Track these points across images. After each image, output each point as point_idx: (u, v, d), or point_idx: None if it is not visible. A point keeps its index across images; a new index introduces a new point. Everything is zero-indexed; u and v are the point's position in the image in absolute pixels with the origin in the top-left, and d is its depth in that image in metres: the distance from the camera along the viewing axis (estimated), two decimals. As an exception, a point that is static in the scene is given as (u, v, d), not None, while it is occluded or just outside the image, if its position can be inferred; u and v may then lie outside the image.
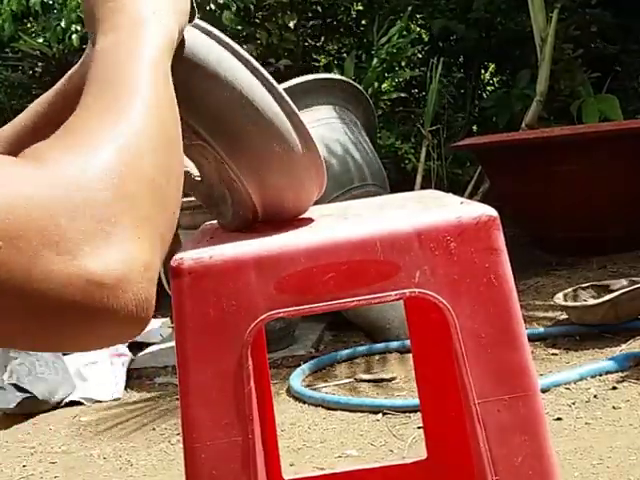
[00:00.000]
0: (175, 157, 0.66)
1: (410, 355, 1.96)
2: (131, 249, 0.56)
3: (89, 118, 0.62)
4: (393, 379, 2.90)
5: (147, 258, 0.58)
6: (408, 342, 1.82)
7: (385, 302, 0.86)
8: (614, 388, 2.58)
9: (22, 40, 5.76)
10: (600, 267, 3.94)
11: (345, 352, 3.21)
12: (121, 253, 0.55)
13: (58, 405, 3.06)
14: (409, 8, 5.56)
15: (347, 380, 2.96)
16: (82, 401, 3.09)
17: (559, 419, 2.41)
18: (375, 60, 5.22)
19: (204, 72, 0.86)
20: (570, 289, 3.24)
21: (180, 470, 0.84)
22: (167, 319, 3.86)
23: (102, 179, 0.56)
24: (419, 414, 1.70)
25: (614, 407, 2.45)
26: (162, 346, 3.52)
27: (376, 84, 5.31)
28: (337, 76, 4.11)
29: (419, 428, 2.35)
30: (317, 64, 6.34)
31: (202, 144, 0.88)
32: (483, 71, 6.88)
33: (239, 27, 5.33)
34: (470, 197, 4.52)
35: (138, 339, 3.60)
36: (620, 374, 2.67)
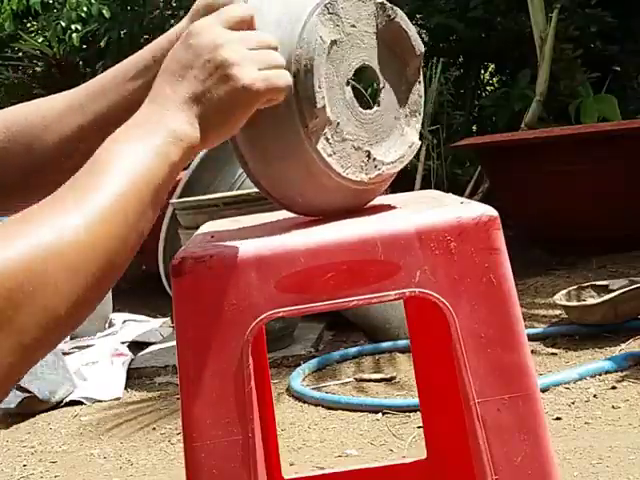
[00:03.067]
0: (97, 291, 0.68)
1: (410, 355, 1.96)
2: None
3: (40, 213, 0.65)
4: (393, 378, 2.90)
5: None
6: (408, 342, 1.82)
7: (385, 302, 0.86)
8: (614, 388, 2.58)
9: (22, 39, 5.77)
10: (600, 267, 3.94)
11: (345, 352, 3.22)
12: None
13: (58, 405, 3.06)
14: (407, 6, 5.56)
15: (347, 380, 2.96)
16: (82, 401, 3.09)
17: (558, 419, 2.41)
18: (375, 60, 5.22)
19: None
20: (570, 289, 3.24)
21: (180, 469, 0.84)
22: (167, 319, 3.87)
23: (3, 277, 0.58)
24: (419, 414, 1.70)
25: (614, 407, 2.45)
26: (162, 346, 3.52)
27: (376, 84, 5.31)
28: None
29: (419, 428, 2.36)
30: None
31: None
32: (483, 71, 6.88)
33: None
34: (470, 197, 4.53)
35: (138, 339, 3.60)
36: (620, 374, 2.67)
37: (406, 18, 0.94)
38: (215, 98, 0.77)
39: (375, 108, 0.92)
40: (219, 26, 0.80)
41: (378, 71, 0.92)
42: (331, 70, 0.88)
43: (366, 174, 0.90)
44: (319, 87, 0.86)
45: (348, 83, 0.91)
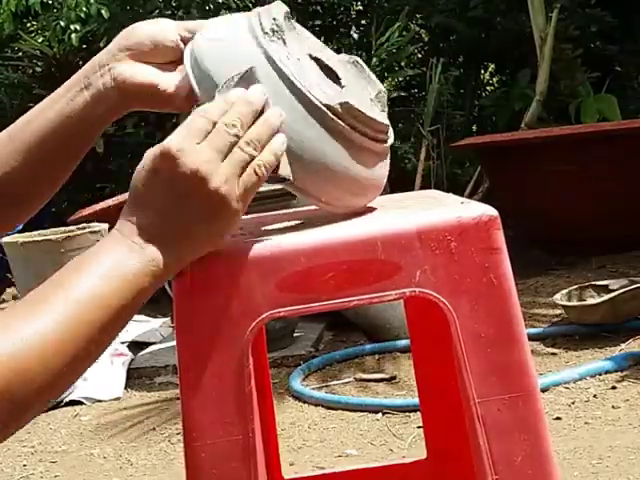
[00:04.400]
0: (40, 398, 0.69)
1: (410, 355, 1.96)
2: None
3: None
4: (393, 378, 2.91)
5: None
6: (408, 342, 1.82)
7: (385, 302, 0.86)
8: (613, 388, 2.58)
9: (22, 39, 5.77)
10: (599, 267, 3.94)
11: (345, 351, 3.22)
12: None
13: (58, 404, 3.06)
14: (407, 7, 5.56)
15: (347, 379, 2.97)
16: (82, 400, 3.09)
17: (558, 418, 2.41)
18: (374, 60, 5.22)
19: None
20: (570, 289, 3.24)
21: (180, 469, 0.84)
22: (167, 319, 3.86)
23: None
24: (419, 414, 1.70)
25: (613, 407, 2.45)
26: (162, 346, 3.52)
27: (376, 83, 5.31)
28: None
29: (419, 427, 2.36)
30: (317, 64, 6.34)
31: None
32: (483, 71, 6.88)
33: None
34: (470, 197, 4.52)
35: (138, 339, 3.60)
36: (619, 374, 2.67)
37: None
38: (198, 235, 0.77)
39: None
40: (186, 141, 0.75)
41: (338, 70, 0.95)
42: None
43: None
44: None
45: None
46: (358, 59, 0.96)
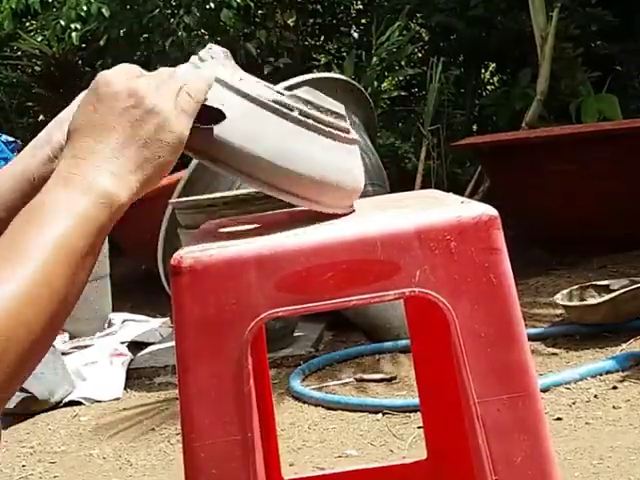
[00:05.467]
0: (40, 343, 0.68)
1: (410, 355, 1.95)
2: None
3: None
4: (393, 379, 2.90)
5: None
6: (408, 342, 1.82)
7: (385, 301, 0.86)
8: (614, 388, 2.58)
9: (22, 39, 5.77)
10: (600, 267, 3.94)
11: (345, 352, 3.21)
12: None
13: (57, 405, 3.06)
14: (408, 6, 5.56)
15: (347, 380, 2.96)
16: (81, 401, 3.09)
17: (559, 419, 2.41)
18: (375, 59, 5.22)
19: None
20: (570, 289, 3.24)
21: (180, 470, 0.83)
22: (167, 319, 3.86)
23: None
24: (419, 414, 1.70)
25: (614, 407, 2.45)
26: (162, 346, 3.52)
27: (376, 83, 5.32)
28: (337, 75, 4.11)
29: (419, 428, 2.35)
30: (317, 63, 6.35)
31: None
32: (483, 70, 6.88)
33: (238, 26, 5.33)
34: (470, 196, 4.52)
35: (138, 339, 3.60)
36: (620, 374, 2.67)
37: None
38: (151, 149, 0.76)
39: None
40: (127, 72, 0.79)
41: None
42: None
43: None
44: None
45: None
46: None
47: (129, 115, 0.76)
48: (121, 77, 0.78)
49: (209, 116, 0.84)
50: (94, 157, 0.74)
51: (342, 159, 0.92)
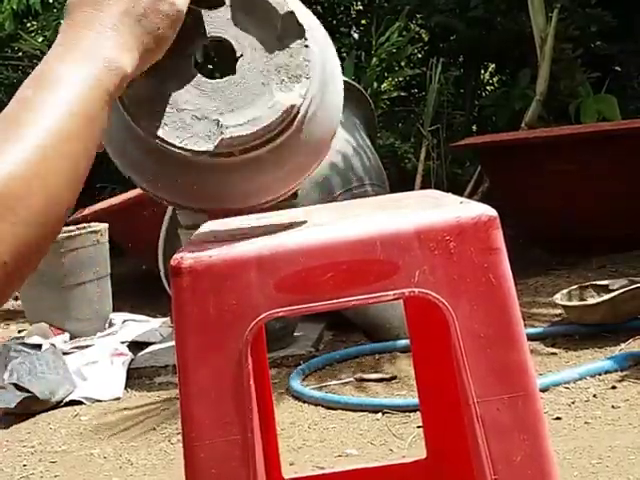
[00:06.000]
0: (39, 236, 0.64)
1: (410, 354, 1.96)
2: None
3: None
4: (393, 378, 2.90)
5: None
6: (408, 341, 1.82)
7: (384, 302, 0.86)
8: (613, 387, 2.58)
9: (22, 39, 5.76)
10: (600, 267, 3.94)
11: (345, 351, 3.21)
12: None
13: (58, 404, 3.06)
14: (407, 7, 5.56)
15: (347, 379, 2.96)
16: (82, 400, 3.09)
17: (558, 418, 2.41)
18: (375, 60, 5.22)
19: None
20: (570, 288, 3.24)
21: (180, 469, 0.84)
22: (167, 318, 3.86)
23: None
24: (419, 413, 1.70)
25: (613, 406, 2.45)
26: (162, 345, 3.52)
27: (376, 84, 5.32)
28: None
29: (419, 427, 2.36)
30: (317, 63, 6.32)
31: None
32: (483, 71, 6.88)
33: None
34: (470, 197, 4.53)
35: (138, 339, 3.60)
36: (619, 373, 2.67)
37: None
38: (150, 19, 0.75)
39: (230, 77, 0.87)
40: None
41: (234, 41, 0.88)
42: None
43: (212, 142, 0.84)
44: None
45: (190, 56, 0.87)
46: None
47: None
48: None
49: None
50: (95, 26, 0.73)
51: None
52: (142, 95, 0.84)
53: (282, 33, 0.87)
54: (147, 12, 0.75)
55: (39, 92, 0.69)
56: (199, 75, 0.87)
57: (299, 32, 0.87)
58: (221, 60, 0.89)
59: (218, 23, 0.87)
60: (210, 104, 0.85)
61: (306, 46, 0.87)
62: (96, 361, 3.33)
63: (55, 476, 2.52)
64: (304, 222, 0.95)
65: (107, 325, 3.85)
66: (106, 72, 0.71)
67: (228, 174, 0.87)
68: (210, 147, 0.84)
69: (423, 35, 6.71)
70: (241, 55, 0.87)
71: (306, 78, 0.86)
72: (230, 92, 0.86)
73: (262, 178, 0.88)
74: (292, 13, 0.87)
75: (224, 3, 0.84)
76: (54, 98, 0.68)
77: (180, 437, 0.85)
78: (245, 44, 0.87)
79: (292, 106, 0.85)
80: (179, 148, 0.84)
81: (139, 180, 0.91)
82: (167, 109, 0.85)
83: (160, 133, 0.84)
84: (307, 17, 0.90)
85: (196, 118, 0.85)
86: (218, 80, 0.87)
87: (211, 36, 0.87)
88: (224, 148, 0.84)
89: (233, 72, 0.87)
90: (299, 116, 0.86)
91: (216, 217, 0.92)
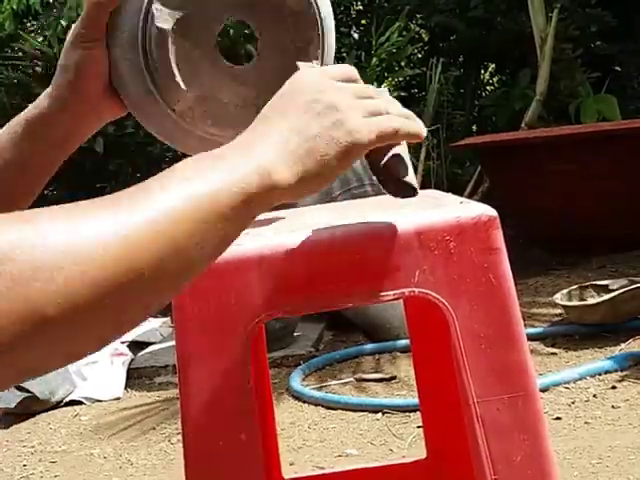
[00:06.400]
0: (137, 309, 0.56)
1: (410, 354, 1.96)
2: None
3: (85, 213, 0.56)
4: (393, 378, 2.91)
5: None
6: (408, 341, 1.82)
7: (384, 302, 0.86)
8: (613, 387, 2.58)
9: (22, 39, 5.76)
10: (600, 267, 3.94)
11: (345, 351, 3.22)
12: None
13: (58, 404, 3.07)
14: (407, 7, 5.56)
15: (347, 379, 2.97)
16: (82, 400, 3.09)
17: (558, 418, 2.41)
18: (375, 60, 5.22)
19: None
20: (570, 288, 3.24)
21: (180, 469, 0.84)
22: (167, 318, 3.86)
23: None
24: (419, 413, 1.70)
25: (613, 406, 2.45)
26: (162, 345, 3.52)
27: (376, 84, 5.31)
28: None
29: (419, 427, 2.36)
30: (317, 63, 6.33)
31: None
32: (483, 71, 6.88)
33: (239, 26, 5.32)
34: (470, 197, 4.52)
35: (138, 339, 3.60)
36: (619, 373, 2.67)
37: None
38: (317, 141, 0.70)
39: (253, 61, 0.88)
40: (323, 75, 0.75)
41: (251, 21, 0.88)
42: (186, 46, 0.86)
43: None
44: (174, 73, 0.85)
45: (216, 46, 0.87)
46: None
47: (309, 107, 0.71)
48: (316, 75, 0.75)
49: (397, 184, 0.79)
50: (265, 137, 0.69)
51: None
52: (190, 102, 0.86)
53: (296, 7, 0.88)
54: (318, 135, 0.70)
55: (191, 172, 0.63)
56: (228, 64, 0.88)
57: (312, 10, 0.88)
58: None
59: (227, 5, 0.88)
60: (248, 92, 0.87)
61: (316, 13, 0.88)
62: (96, 361, 3.33)
63: (55, 476, 2.52)
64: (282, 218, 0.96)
65: (107, 325, 3.85)
66: (255, 175, 0.65)
67: None
68: None
69: (423, 35, 6.70)
70: (260, 34, 0.89)
71: (318, 35, 0.88)
72: (261, 75, 0.87)
73: None
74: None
75: (416, 194, 0.79)
76: (195, 181, 0.61)
77: (180, 437, 0.85)
78: (263, 21, 0.89)
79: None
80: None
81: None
82: (213, 108, 0.87)
83: (213, 131, 0.86)
84: None
85: (239, 107, 0.87)
86: (247, 65, 0.88)
87: (227, 20, 0.89)
88: None
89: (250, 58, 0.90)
90: None
91: None
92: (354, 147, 0.71)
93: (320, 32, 0.88)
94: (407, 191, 0.78)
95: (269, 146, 0.68)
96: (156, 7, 0.84)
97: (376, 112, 0.74)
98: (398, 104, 0.78)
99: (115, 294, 0.54)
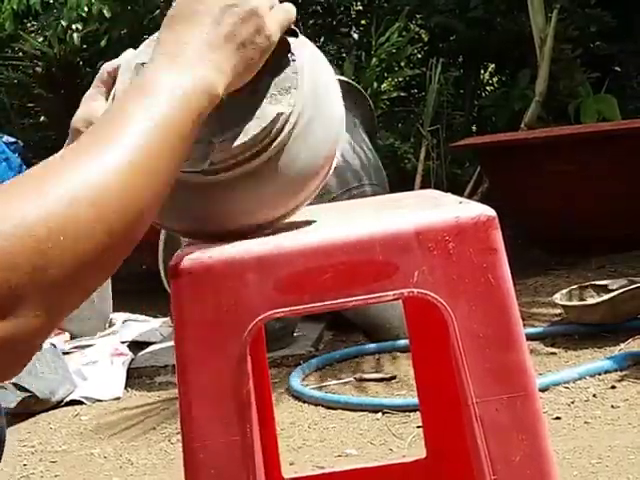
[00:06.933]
0: (124, 238, 0.65)
1: (410, 354, 1.96)
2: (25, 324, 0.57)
3: (63, 163, 0.64)
4: (393, 378, 2.91)
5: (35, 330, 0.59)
6: (408, 341, 1.83)
7: (383, 302, 0.86)
8: (613, 387, 2.58)
9: (23, 39, 5.76)
10: (599, 267, 3.94)
11: (345, 351, 3.22)
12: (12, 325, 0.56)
13: (58, 404, 3.07)
14: (407, 7, 5.57)
15: (347, 379, 2.97)
16: (82, 400, 3.10)
17: (558, 418, 2.42)
18: (374, 60, 5.22)
19: None
20: (569, 288, 3.25)
21: (180, 469, 0.84)
22: (167, 318, 3.86)
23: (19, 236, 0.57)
24: (418, 413, 1.70)
25: (613, 406, 2.45)
26: (162, 345, 3.52)
27: (375, 84, 5.32)
28: (337, 76, 4.10)
29: (419, 427, 2.36)
30: (317, 64, 6.33)
31: None
32: (482, 71, 6.89)
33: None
34: (469, 197, 4.53)
35: (138, 339, 3.61)
36: (619, 373, 2.67)
37: None
38: (247, 49, 0.78)
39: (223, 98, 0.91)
40: None
41: None
42: None
43: (208, 161, 0.84)
44: None
45: None
46: None
47: (232, 12, 0.77)
48: None
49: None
50: (196, 43, 0.75)
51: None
52: None
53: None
54: (245, 42, 0.78)
55: (135, 104, 0.70)
56: None
57: (286, 51, 0.87)
58: None
59: None
60: (203, 129, 0.83)
61: (293, 60, 0.87)
62: (96, 361, 3.33)
63: (55, 476, 2.52)
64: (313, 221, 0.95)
65: (107, 325, 3.86)
66: (201, 91, 0.73)
67: (217, 192, 0.87)
68: (205, 166, 0.84)
69: (423, 35, 6.70)
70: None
71: (294, 89, 0.86)
72: (223, 113, 0.84)
73: (252, 195, 0.87)
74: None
75: (298, 35, 0.87)
76: (147, 114, 0.69)
77: (180, 437, 0.85)
78: None
79: (279, 114, 0.84)
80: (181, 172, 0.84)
81: None
82: None
83: None
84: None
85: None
86: None
87: None
88: (215, 165, 0.84)
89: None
90: (288, 125, 0.85)
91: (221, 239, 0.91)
92: (271, 46, 0.81)
93: (296, 84, 0.87)
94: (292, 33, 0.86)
95: (205, 57, 0.74)
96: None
97: (275, 9, 0.82)
98: None
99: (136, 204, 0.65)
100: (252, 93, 0.86)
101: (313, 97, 0.88)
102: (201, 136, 0.82)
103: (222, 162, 0.84)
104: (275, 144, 0.85)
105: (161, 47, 0.75)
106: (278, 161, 0.86)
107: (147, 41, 0.90)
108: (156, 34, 0.83)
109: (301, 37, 0.92)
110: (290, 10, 0.85)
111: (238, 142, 0.84)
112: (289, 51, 0.87)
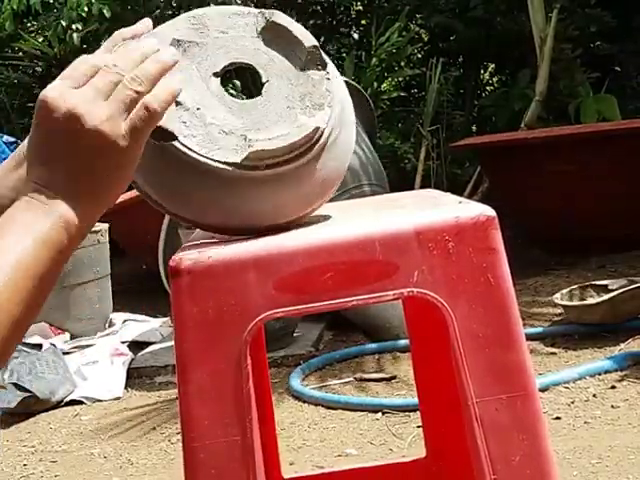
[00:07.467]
0: None
1: (410, 354, 1.96)
2: None
3: None
4: (393, 378, 2.91)
5: None
6: (408, 341, 1.83)
7: (383, 302, 0.86)
8: (613, 387, 2.58)
9: (23, 39, 5.76)
10: (599, 267, 3.94)
11: (345, 351, 3.22)
12: None
13: (58, 404, 3.07)
14: (407, 7, 5.57)
15: (347, 379, 2.97)
16: (82, 400, 3.10)
17: (558, 418, 2.42)
18: (374, 60, 5.22)
19: None
20: (569, 288, 3.25)
21: (180, 469, 0.84)
22: (167, 318, 3.86)
23: None
24: (418, 413, 1.70)
25: (613, 406, 2.45)
26: (162, 345, 3.52)
27: (375, 84, 5.32)
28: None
29: (418, 427, 2.36)
30: (317, 64, 6.33)
31: None
32: (482, 71, 6.88)
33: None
34: (469, 197, 4.53)
35: (138, 339, 3.61)
36: (619, 373, 2.67)
37: (288, 18, 0.95)
38: (100, 174, 0.73)
39: (256, 99, 0.92)
40: (65, 86, 0.74)
41: (260, 68, 0.93)
42: (189, 65, 0.91)
43: (240, 155, 0.87)
44: None
45: (217, 76, 0.91)
46: (278, 19, 0.94)
47: (73, 143, 0.72)
48: (56, 93, 0.73)
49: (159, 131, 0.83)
50: (51, 184, 0.72)
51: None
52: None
53: (306, 64, 0.93)
54: (98, 170, 0.73)
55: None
56: (226, 94, 0.91)
57: (322, 64, 0.92)
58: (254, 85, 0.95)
59: (247, 51, 0.93)
60: (237, 121, 0.89)
61: (328, 79, 0.92)
62: (96, 361, 3.33)
63: (55, 476, 2.52)
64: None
65: (107, 325, 3.86)
66: (59, 229, 0.71)
67: (250, 189, 0.89)
68: (237, 159, 0.87)
69: (423, 35, 6.70)
70: (267, 81, 0.92)
71: (328, 107, 0.91)
72: (256, 112, 0.90)
73: (283, 196, 0.90)
74: (316, 47, 0.93)
75: (176, 139, 0.86)
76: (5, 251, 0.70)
77: (180, 437, 0.85)
78: (271, 72, 0.93)
79: (317, 128, 0.89)
80: (207, 158, 0.86)
81: (155, 194, 0.92)
82: (195, 122, 0.88)
83: (188, 143, 0.86)
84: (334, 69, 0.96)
85: (224, 132, 0.88)
86: (244, 101, 0.92)
87: (240, 62, 0.93)
88: (251, 161, 0.87)
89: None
90: (322, 139, 0.90)
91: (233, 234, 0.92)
92: (134, 162, 0.75)
93: (330, 99, 0.92)
94: (166, 136, 0.85)
95: (59, 195, 0.72)
96: (188, 24, 0.93)
97: (129, 100, 0.74)
98: (140, 66, 0.77)
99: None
100: (284, 97, 0.91)
101: (340, 112, 0.94)
102: (233, 128, 0.88)
103: (259, 160, 0.87)
104: (312, 152, 0.89)
105: (23, 186, 0.74)
106: (304, 170, 0.90)
107: (183, 16, 0.93)
108: (189, 13, 0.88)
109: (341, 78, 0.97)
110: (161, 102, 0.75)
111: (277, 145, 0.87)
112: (321, 58, 0.92)
